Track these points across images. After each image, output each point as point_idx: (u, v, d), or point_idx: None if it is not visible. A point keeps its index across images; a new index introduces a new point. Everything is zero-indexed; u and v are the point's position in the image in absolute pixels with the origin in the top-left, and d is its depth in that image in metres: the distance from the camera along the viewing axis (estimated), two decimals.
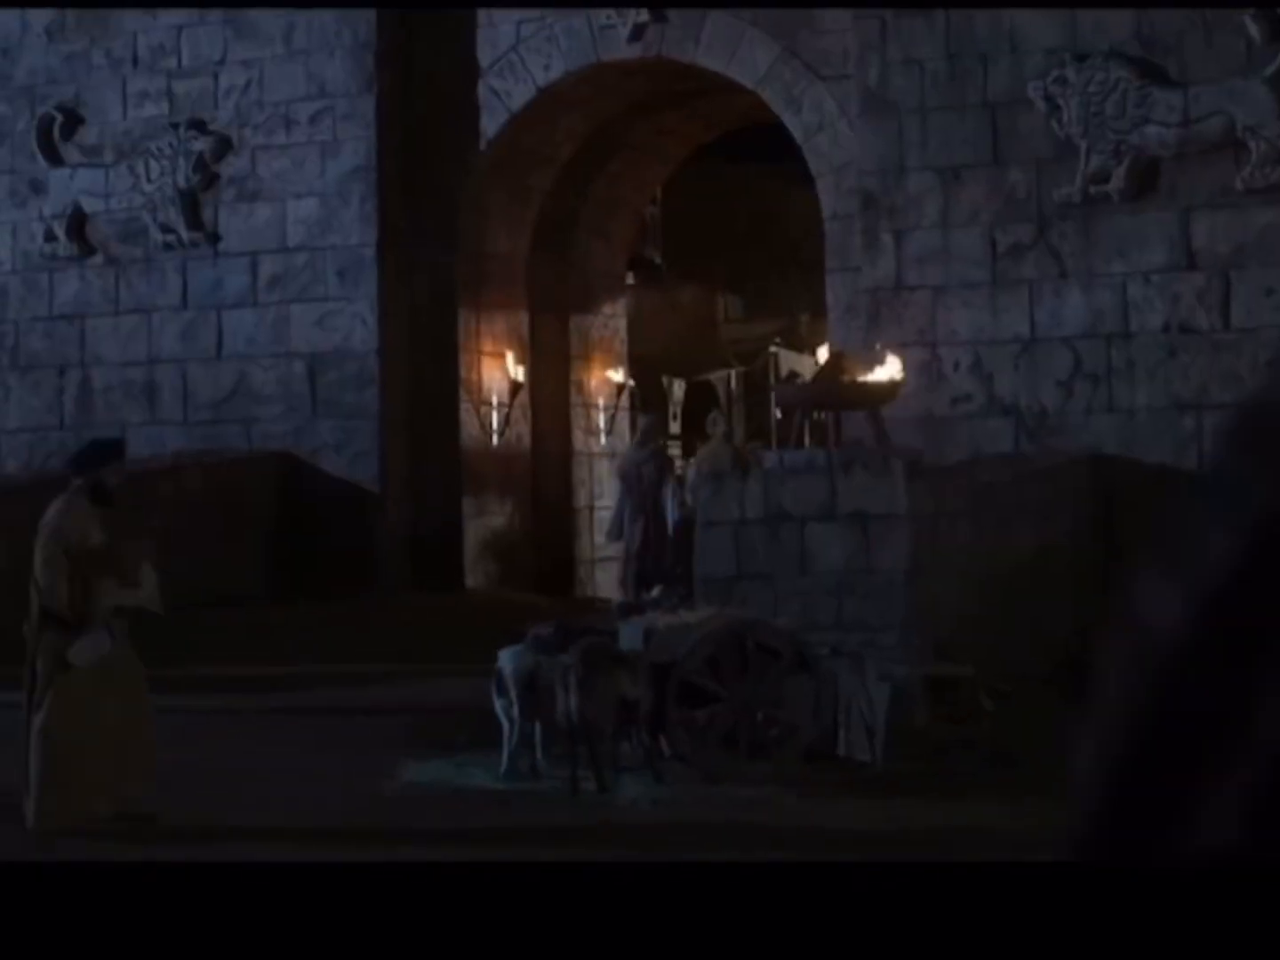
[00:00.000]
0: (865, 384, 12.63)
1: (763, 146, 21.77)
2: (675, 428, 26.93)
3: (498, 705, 9.84)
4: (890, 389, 12.70)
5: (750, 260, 26.49)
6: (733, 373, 27.20)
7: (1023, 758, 9.79)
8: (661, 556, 16.62)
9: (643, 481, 17.22)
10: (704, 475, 13.08)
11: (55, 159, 19.12)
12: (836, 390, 12.73)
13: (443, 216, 18.24)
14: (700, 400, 27.32)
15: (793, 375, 27.88)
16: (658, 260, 24.57)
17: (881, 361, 12.99)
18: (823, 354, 17.96)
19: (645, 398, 23.48)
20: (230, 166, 18.49)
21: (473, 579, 18.18)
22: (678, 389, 27.49)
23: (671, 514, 17.15)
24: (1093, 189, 15.69)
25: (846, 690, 9.84)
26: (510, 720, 9.84)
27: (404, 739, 10.98)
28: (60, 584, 9.10)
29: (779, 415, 26.61)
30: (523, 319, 19.30)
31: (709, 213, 25.13)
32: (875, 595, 11.22)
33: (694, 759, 9.77)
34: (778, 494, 11.48)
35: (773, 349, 26.63)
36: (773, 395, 21.81)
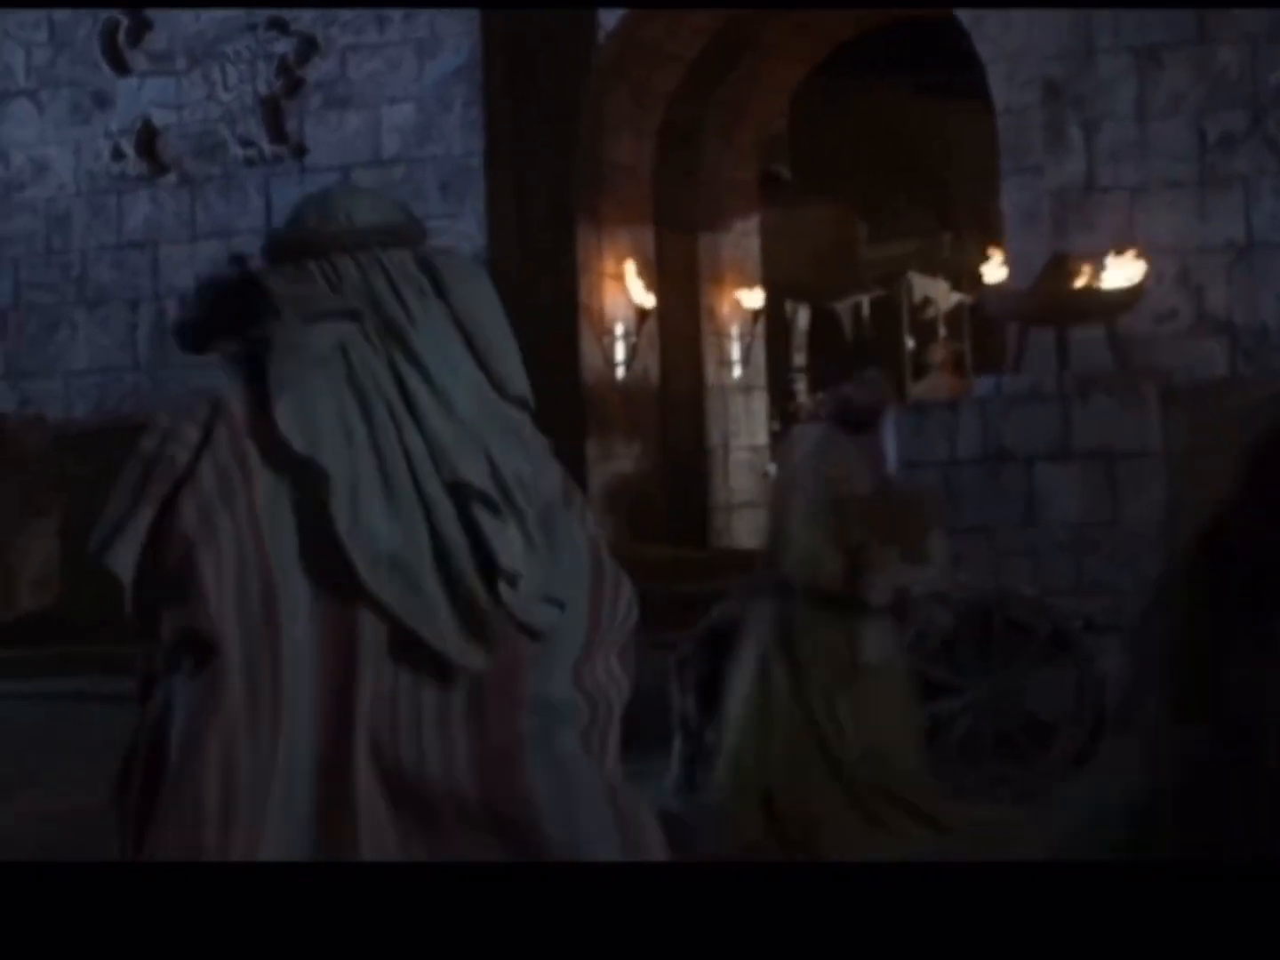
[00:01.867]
0: (1100, 290, 10.45)
1: (892, 57, 19.72)
2: (799, 360, 24.78)
3: (675, 699, 7.71)
4: (1130, 296, 10.53)
5: (878, 178, 24.26)
6: (865, 299, 24.98)
7: None
8: None
9: None
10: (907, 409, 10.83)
11: (121, 68, 17.13)
12: (1064, 298, 10.51)
13: (557, 122, 16.13)
14: (827, 330, 25.20)
15: (927, 302, 25.73)
16: (786, 175, 22.34)
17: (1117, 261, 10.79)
18: (991, 270, 15.85)
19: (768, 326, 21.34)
20: (316, 70, 16.43)
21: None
22: (802, 317, 25.30)
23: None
24: None
25: (1116, 677, 7.69)
26: (683, 719, 7.75)
27: None
28: (834, 551, 6.76)
29: (912, 345, 24.51)
30: (648, 237, 17.15)
31: (836, 127, 22.92)
32: (1122, 552, 9.07)
33: None
34: (997, 428, 9.34)
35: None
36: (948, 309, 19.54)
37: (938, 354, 17.30)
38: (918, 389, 16.50)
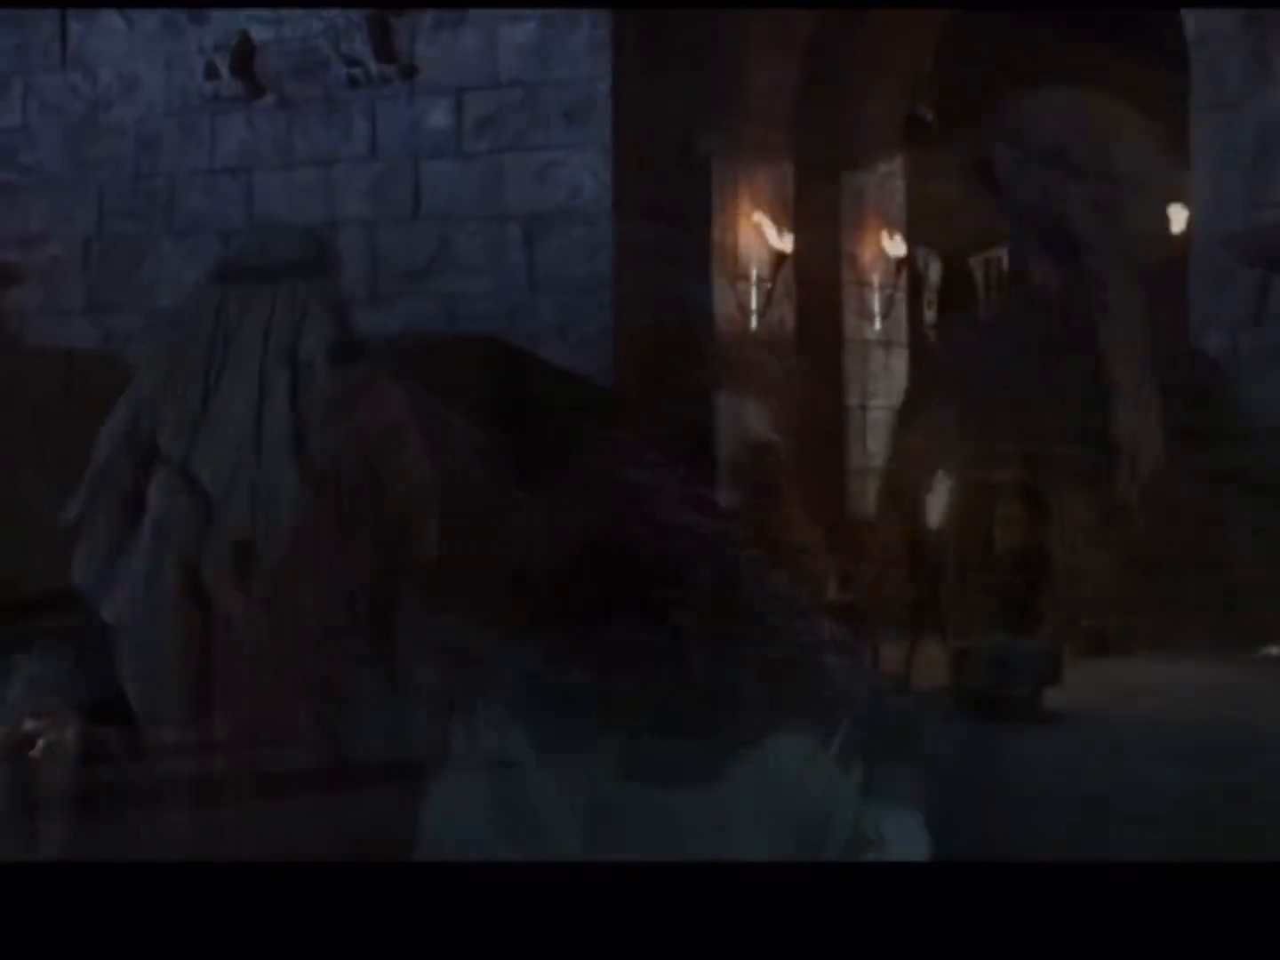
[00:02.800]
0: None
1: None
2: (930, 316, 23.30)
3: None
4: None
5: None
6: (1004, 254, 23.44)
7: None
8: None
9: None
10: None
11: None
12: None
13: (692, 45, 14.72)
14: (959, 285, 23.77)
15: None
16: (928, 117, 20.82)
17: None
18: (1175, 214, 14.42)
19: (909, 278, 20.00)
20: None
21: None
22: (934, 271, 23.79)
23: None
24: None
25: None
26: None
27: None
28: None
29: None
30: (787, 173, 15.72)
31: (980, 68, 21.44)
32: None
33: None
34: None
35: None
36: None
37: None
38: None
